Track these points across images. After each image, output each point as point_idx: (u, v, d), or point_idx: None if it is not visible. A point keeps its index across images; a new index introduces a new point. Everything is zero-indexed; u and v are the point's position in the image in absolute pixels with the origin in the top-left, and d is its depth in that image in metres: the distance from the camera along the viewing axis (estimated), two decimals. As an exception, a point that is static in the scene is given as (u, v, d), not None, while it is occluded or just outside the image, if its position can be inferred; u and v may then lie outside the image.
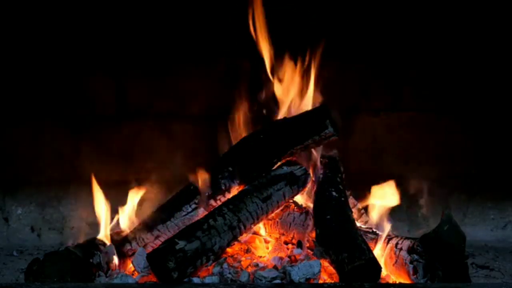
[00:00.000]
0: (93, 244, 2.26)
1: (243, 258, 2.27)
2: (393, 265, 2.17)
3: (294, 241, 2.40)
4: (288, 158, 2.46)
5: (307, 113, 2.49)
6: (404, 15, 3.11)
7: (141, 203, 2.53)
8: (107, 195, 2.52)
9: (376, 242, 2.27)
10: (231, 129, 2.67)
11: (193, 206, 2.37)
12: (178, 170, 2.99)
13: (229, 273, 2.12)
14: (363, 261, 1.98)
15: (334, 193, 2.36)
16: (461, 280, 1.99)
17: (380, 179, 2.60)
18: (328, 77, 2.66)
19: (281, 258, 2.26)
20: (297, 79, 2.62)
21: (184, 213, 2.36)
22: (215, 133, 2.99)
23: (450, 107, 3.20)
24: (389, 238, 2.26)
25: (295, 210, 2.44)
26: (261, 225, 2.43)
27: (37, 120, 3.17)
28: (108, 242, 2.29)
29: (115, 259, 2.27)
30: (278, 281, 2.06)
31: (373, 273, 2.00)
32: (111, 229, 2.40)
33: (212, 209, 2.30)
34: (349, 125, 3.15)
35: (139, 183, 2.64)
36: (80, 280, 2.06)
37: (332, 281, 2.11)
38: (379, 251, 2.23)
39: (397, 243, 2.20)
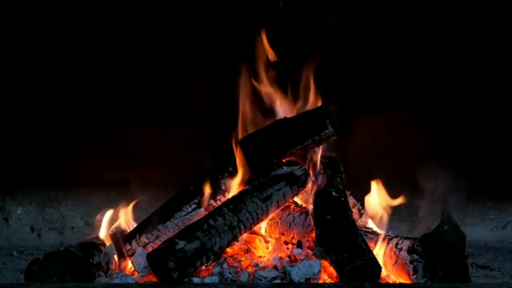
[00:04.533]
0: (93, 244, 2.26)
1: (243, 258, 2.27)
2: (393, 265, 2.17)
3: (294, 241, 2.40)
4: (288, 158, 2.46)
5: (307, 113, 2.49)
6: (404, 15, 3.11)
7: (141, 203, 2.53)
8: (108, 195, 2.52)
9: (376, 242, 2.27)
10: (231, 129, 2.67)
11: (193, 206, 2.38)
12: (178, 170, 3.00)
13: (229, 273, 2.13)
14: (363, 261, 1.98)
15: (334, 193, 2.36)
16: (461, 280, 2.00)
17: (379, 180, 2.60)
18: (328, 77, 2.66)
19: (281, 258, 2.26)
20: (297, 78, 2.62)
21: (184, 213, 2.36)
22: (215, 133, 3.00)
23: (450, 107, 3.20)
24: (389, 238, 2.26)
25: (295, 210, 2.44)
26: (261, 225, 2.43)
27: (37, 120, 3.17)
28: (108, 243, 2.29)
29: (116, 259, 2.27)
30: (278, 281, 2.07)
31: (373, 273, 2.00)
32: (112, 229, 2.41)
33: (212, 209, 2.30)
34: (349, 125, 3.15)
35: (139, 184, 2.64)
36: (80, 280, 2.06)
37: (332, 281, 2.11)
38: (379, 251, 2.23)
39: (397, 243, 2.20)
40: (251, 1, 3.01)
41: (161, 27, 3.11)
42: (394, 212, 2.50)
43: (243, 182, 2.40)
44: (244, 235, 2.32)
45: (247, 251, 2.35)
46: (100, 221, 2.43)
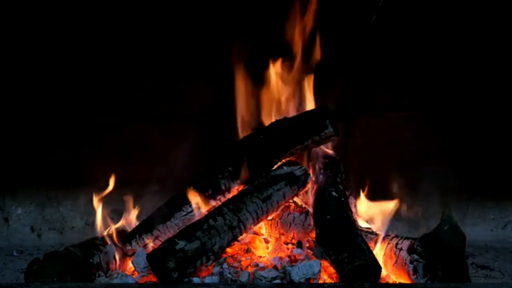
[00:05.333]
0: (93, 244, 2.26)
1: (243, 258, 2.27)
2: (393, 265, 2.17)
3: (294, 241, 2.40)
4: (288, 158, 2.46)
5: (307, 113, 2.49)
6: (404, 15, 3.11)
7: (141, 203, 2.54)
8: (108, 195, 2.52)
9: (376, 242, 2.27)
10: (231, 129, 2.67)
11: (193, 206, 2.37)
12: (179, 170, 3.00)
13: (229, 273, 2.13)
14: (363, 261, 1.98)
15: (334, 193, 2.36)
16: (461, 280, 1.99)
17: (379, 180, 2.60)
18: (328, 77, 2.66)
19: (281, 258, 2.26)
20: (296, 79, 2.62)
21: (184, 213, 2.36)
22: (215, 133, 3.00)
23: (450, 107, 3.20)
24: (389, 238, 2.26)
25: (295, 210, 2.44)
26: (261, 225, 2.43)
27: (37, 120, 3.17)
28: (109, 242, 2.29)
29: (117, 259, 2.27)
30: (278, 281, 2.07)
31: (373, 273, 2.00)
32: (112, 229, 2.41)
33: (212, 209, 2.30)
34: (349, 125, 3.15)
35: (139, 184, 2.64)
36: (80, 280, 2.06)
37: (332, 281, 2.11)
38: (379, 251, 2.23)
39: (397, 243, 2.20)
40: (251, 1, 3.01)
41: (161, 28, 3.11)
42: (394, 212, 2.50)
43: (243, 182, 2.40)
44: (244, 235, 2.32)
45: (247, 251, 2.35)
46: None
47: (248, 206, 2.23)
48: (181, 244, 2.04)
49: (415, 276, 2.06)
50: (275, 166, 2.43)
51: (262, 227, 2.47)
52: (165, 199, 2.48)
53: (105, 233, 2.37)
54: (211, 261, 2.12)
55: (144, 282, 2.12)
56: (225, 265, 2.16)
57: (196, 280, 2.06)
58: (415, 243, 2.10)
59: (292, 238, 2.41)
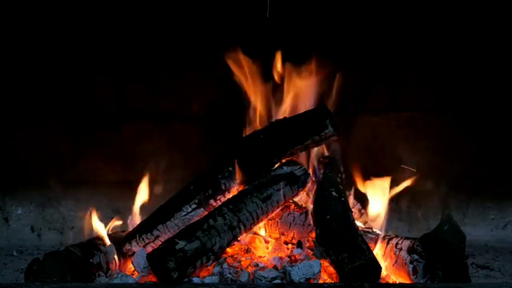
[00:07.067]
0: (93, 244, 2.26)
1: (243, 258, 2.27)
2: (393, 265, 2.17)
3: (294, 241, 2.40)
4: (288, 158, 2.46)
5: (307, 113, 2.49)
6: (404, 14, 3.11)
7: (141, 203, 2.54)
8: (107, 195, 2.52)
9: (376, 242, 2.27)
10: (230, 129, 2.67)
11: (193, 206, 2.37)
12: (178, 170, 3.00)
13: (229, 273, 2.13)
14: (363, 261, 1.98)
15: (334, 193, 2.36)
16: (461, 280, 2.00)
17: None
18: (328, 77, 2.66)
19: (281, 258, 2.26)
20: (297, 79, 2.62)
21: (184, 213, 2.36)
22: (215, 133, 3.00)
23: (450, 107, 3.20)
24: (389, 238, 2.26)
25: (295, 210, 2.44)
26: (261, 225, 2.43)
27: (37, 120, 3.17)
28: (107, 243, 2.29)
29: (116, 259, 2.27)
30: (278, 281, 2.07)
31: (373, 273, 2.00)
32: (112, 230, 2.41)
33: (212, 209, 2.30)
34: (349, 125, 3.15)
35: (138, 184, 2.64)
36: (80, 280, 2.06)
37: (332, 281, 2.11)
38: (379, 251, 2.23)
39: (397, 243, 2.20)
40: (251, 1, 3.01)
41: (161, 28, 3.12)
42: (394, 212, 2.50)
43: (243, 182, 2.40)
44: (244, 235, 2.32)
45: (247, 251, 2.35)
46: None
47: (248, 206, 2.23)
48: (181, 244, 2.04)
49: (415, 276, 2.06)
50: (275, 166, 2.43)
51: (262, 227, 2.47)
52: (165, 199, 2.48)
53: (105, 233, 2.37)
54: (211, 261, 2.12)
55: (144, 282, 2.12)
56: (225, 265, 2.16)
57: (196, 280, 2.06)
58: (415, 243, 2.10)
59: (292, 238, 2.41)
